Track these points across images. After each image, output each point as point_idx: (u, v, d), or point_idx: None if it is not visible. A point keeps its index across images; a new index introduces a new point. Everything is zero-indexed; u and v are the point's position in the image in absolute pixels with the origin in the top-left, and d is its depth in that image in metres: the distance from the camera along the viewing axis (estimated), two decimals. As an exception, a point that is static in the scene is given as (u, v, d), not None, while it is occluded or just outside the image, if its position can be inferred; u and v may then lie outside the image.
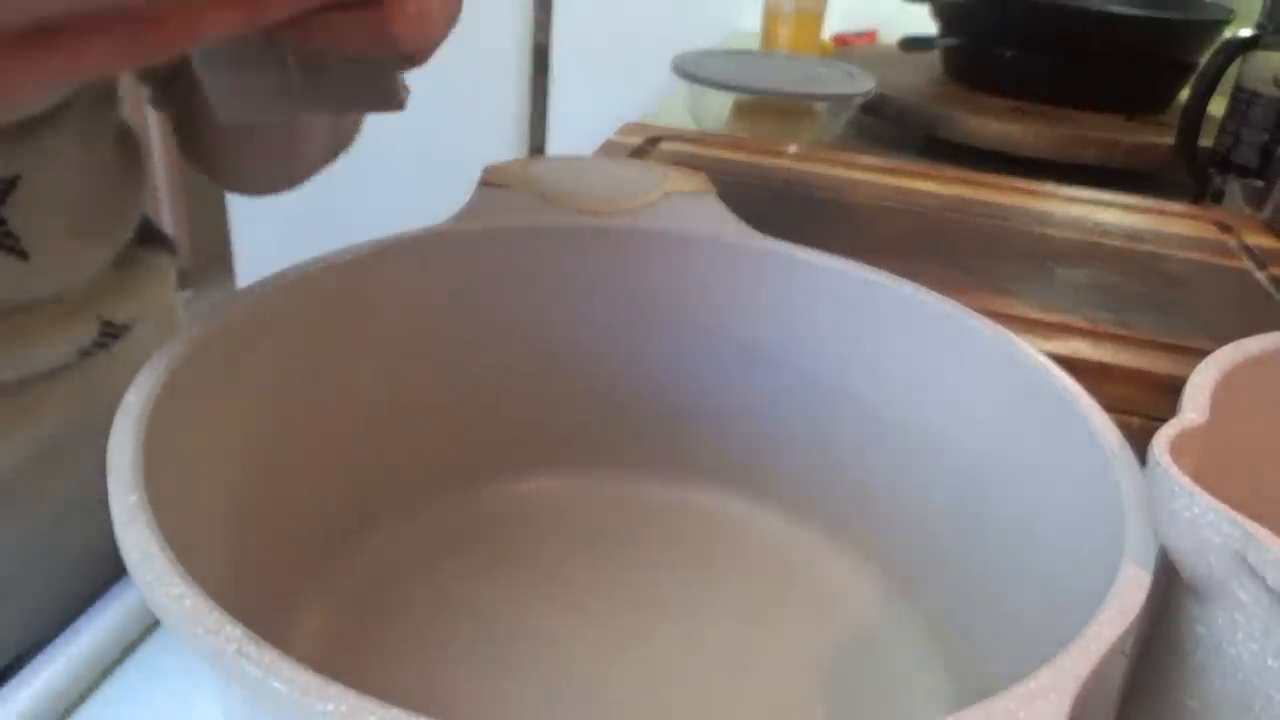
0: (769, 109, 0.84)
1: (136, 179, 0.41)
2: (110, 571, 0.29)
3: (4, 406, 0.35)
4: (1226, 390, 0.25)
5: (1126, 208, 0.63)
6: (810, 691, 0.31)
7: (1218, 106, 0.75)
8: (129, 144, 0.41)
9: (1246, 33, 0.73)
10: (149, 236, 0.42)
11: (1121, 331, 0.44)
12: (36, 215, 0.34)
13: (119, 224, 0.40)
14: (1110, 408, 0.28)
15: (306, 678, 0.17)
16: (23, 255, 0.34)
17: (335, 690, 0.17)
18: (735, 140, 0.71)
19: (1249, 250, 0.56)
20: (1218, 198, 0.77)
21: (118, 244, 0.39)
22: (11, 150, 0.33)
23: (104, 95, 0.38)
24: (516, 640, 0.32)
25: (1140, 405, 0.39)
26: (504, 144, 1.65)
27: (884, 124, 0.90)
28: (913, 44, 0.95)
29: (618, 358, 0.38)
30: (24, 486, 0.36)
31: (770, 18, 1.08)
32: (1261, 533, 0.19)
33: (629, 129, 0.68)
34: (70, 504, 0.38)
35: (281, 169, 0.46)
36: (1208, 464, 0.22)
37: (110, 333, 0.38)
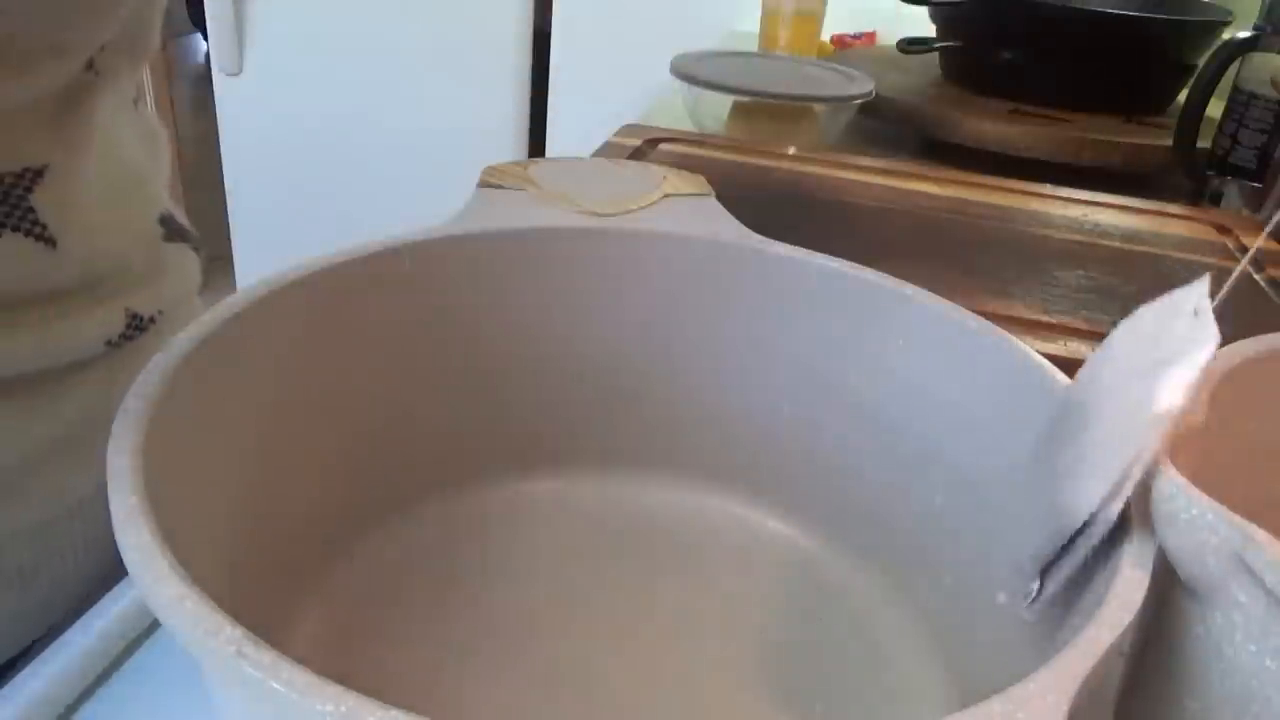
0: (768, 111, 0.84)
1: (159, 171, 0.42)
2: (113, 569, 0.29)
3: (30, 396, 0.35)
4: (1225, 391, 0.25)
5: (1125, 209, 0.63)
6: (809, 691, 0.31)
7: (1216, 108, 0.76)
8: (152, 138, 0.42)
9: (1245, 34, 0.73)
10: (175, 234, 0.43)
11: (1120, 333, 0.44)
12: (65, 204, 0.35)
13: (144, 214, 0.41)
14: (1109, 409, 0.28)
15: (306, 678, 0.17)
16: (50, 243, 0.34)
17: (335, 690, 0.17)
18: (734, 142, 0.71)
19: (1247, 252, 0.56)
20: (1216, 199, 0.77)
21: (143, 235, 0.41)
22: (43, 140, 0.34)
23: (127, 93, 0.40)
24: (516, 641, 0.32)
25: (1139, 406, 0.39)
26: (504, 144, 1.65)
27: (883, 126, 0.90)
28: (912, 45, 0.95)
29: (617, 358, 0.38)
30: (44, 476, 0.37)
31: (769, 19, 1.08)
32: (1259, 534, 0.19)
33: (628, 130, 0.68)
34: (88, 494, 0.39)
35: None
36: (1207, 464, 0.22)
37: (137, 325, 0.38)
